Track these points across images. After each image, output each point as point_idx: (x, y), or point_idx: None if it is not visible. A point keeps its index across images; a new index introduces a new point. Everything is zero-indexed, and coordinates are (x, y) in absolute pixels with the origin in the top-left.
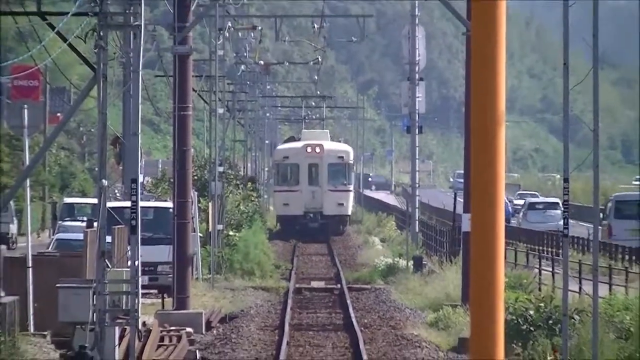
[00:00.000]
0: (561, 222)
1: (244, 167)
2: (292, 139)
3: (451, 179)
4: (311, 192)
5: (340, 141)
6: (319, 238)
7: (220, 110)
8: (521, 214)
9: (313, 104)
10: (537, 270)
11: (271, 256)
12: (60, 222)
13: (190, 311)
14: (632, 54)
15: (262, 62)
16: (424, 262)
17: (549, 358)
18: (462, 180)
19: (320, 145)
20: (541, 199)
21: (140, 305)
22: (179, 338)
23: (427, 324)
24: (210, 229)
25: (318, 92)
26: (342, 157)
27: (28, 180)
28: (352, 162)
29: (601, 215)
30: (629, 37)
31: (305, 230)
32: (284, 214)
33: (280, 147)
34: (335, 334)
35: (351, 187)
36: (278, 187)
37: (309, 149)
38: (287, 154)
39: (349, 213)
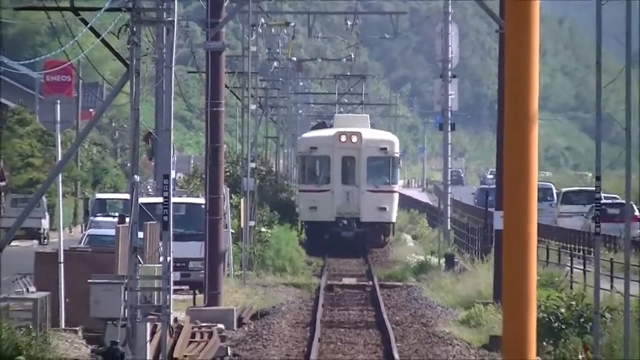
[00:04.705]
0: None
1: (276, 164)
2: (322, 126)
3: (489, 175)
4: (345, 192)
5: None
6: (354, 251)
7: (253, 107)
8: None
9: (348, 87)
10: (568, 268)
11: (302, 252)
12: (92, 217)
13: (221, 307)
14: None
15: (295, 59)
16: (455, 260)
17: (580, 356)
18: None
19: (358, 134)
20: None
21: (171, 301)
22: (211, 334)
23: (458, 321)
24: (242, 226)
25: (350, 90)
26: (386, 148)
27: (60, 176)
28: (397, 155)
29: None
30: None
31: (337, 240)
32: (311, 219)
33: (307, 135)
34: (367, 331)
35: (396, 187)
36: (304, 186)
37: (343, 138)
38: (315, 144)
39: (393, 220)
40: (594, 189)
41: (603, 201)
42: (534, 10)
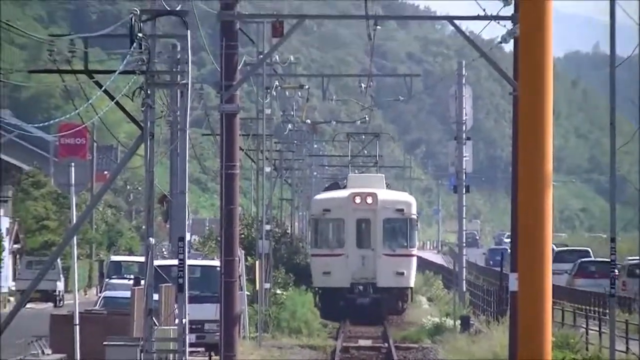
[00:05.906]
0: None
1: (291, 226)
2: (335, 186)
3: (505, 239)
4: (361, 257)
5: None
6: (370, 318)
7: (267, 169)
8: None
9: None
10: (583, 330)
11: (318, 314)
12: (107, 279)
13: None
14: None
15: (309, 121)
16: (471, 322)
17: None
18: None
19: (373, 195)
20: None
21: None
22: None
23: None
24: (257, 288)
25: (365, 152)
26: (403, 209)
27: (75, 238)
28: (415, 216)
29: None
30: None
31: (352, 307)
32: (324, 285)
33: (319, 197)
34: None
35: (414, 251)
36: (317, 250)
37: (357, 200)
38: (329, 206)
39: (412, 285)
40: (584, 248)
41: (588, 259)
42: (548, 72)
